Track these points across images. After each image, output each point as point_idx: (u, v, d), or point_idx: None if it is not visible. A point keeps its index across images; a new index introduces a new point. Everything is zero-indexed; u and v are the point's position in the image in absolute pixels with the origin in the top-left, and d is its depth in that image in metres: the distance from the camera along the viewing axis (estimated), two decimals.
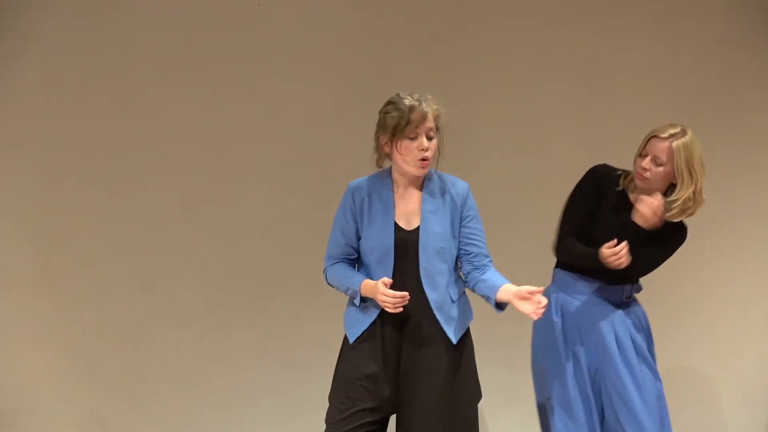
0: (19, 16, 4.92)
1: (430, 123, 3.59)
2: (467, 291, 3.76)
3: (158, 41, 5.01)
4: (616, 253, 3.75)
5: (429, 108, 3.58)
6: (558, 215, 4.07)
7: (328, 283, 3.78)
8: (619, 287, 4.01)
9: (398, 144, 3.59)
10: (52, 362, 4.99)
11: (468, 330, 3.72)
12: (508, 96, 5.22)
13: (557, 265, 4.13)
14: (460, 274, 3.74)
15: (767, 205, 5.24)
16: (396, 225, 3.63)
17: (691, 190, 3.83)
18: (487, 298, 3.64)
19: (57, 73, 4.97)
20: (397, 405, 3.63)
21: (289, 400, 5.06)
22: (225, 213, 5.08)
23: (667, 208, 3.85)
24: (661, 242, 3.92)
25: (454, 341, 3.64)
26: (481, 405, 3.70)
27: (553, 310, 4.03)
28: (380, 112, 3.64)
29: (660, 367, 4.10)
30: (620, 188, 3.98)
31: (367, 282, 3.60)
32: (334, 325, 3.75)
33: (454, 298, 3.67)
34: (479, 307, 3.76)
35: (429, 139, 3.59)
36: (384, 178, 3.70)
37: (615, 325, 3.99)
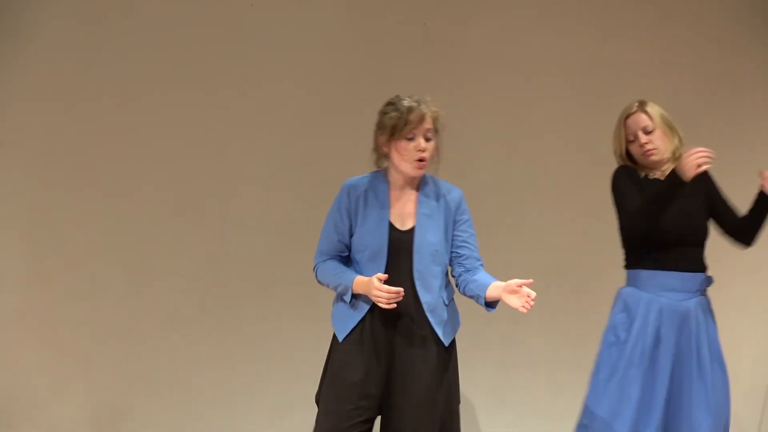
0: (13, 17, 4.93)
1: (428, 124, 3.60)
2: (455, 299, 3.75)
3: (151, 43, 5.01)
4: (696, 150, 3.70)
5: (428, 110, 3.60)
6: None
7: (318, 280, 3.77)
8: (697, 275, 3.93)
9: (396, 144, 3.60)
10: (46, 362, 4.99)
11: (455, 336, 3.71)
12: (501, 97, 5.23)
13: (628, 266, 4.02)
14: (451, 277, 3.74)
15: None
16: (390, 224, 3.64)
17: (677, 139, 3.98)
18: (477, 298, 3.62)
19: (51, 75, 4.96)
20: (385, 405, 3.62)
21: (282, 400, 5.06)
22: (219, 213, 5.09)
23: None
24: (697, 194, 3.95)
25: (446, 343, 3.64)
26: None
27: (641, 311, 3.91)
28: (379, 113, 3.66)
29: None
30: (644, 175, 3.99)
31: (361, 278, 3.59)
32: (327, 325, 3.75)
33: (446, 301, 3.68)
34: (474, 308, 3.76)
35: (427, 140, 3.61)
36: (381, 177, 3.71)
37: (692, 323, 3.90)
